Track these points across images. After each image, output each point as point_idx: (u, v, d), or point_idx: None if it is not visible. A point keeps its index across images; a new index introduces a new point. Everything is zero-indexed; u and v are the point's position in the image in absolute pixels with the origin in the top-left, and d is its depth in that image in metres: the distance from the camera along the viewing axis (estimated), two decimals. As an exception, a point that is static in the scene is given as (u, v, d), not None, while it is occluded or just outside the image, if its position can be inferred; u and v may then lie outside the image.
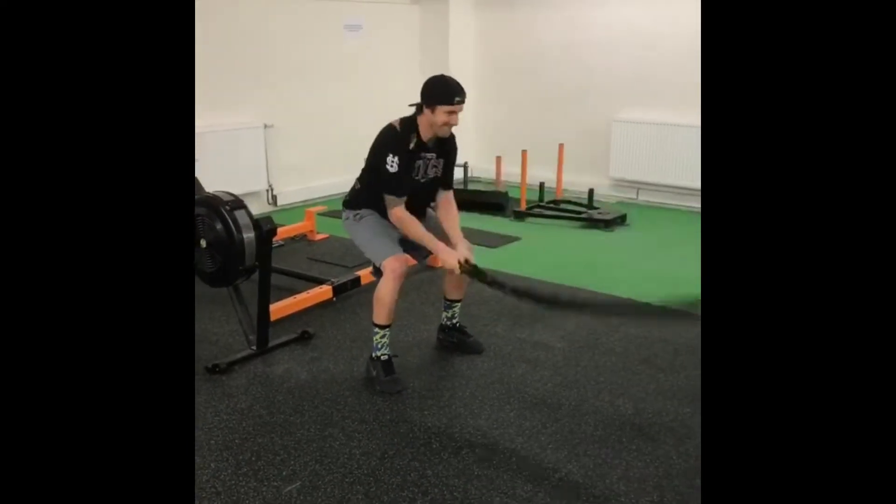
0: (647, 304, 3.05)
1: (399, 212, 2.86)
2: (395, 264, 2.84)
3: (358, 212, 3.02)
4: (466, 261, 2.85)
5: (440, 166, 2.99)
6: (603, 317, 3.58)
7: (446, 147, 2.98)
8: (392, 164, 2.80)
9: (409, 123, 2.88)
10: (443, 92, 2.79)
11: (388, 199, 2.85)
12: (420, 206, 3.01)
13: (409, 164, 2.86)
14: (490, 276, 2.90)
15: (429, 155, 2.93)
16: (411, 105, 2.89)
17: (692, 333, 3.44)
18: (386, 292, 2.85)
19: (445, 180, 3.06)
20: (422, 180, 2.95)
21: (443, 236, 2.95)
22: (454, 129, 2.93)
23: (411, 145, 2.85)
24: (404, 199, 2.86)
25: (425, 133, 2.87)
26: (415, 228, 2.87)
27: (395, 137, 2.85)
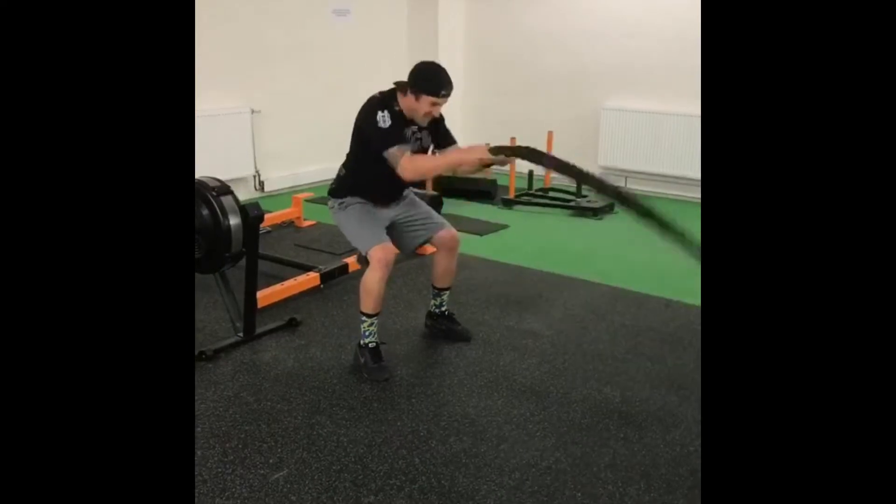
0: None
1: (406, 161, 2.72)
2: (381, 253, 2.82)
3: (343, 200, 2.99)
4: (492, 147, 2.69)
5: (424, 138, 2.94)
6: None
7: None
8: (383, 119, 2.74)
9: (389, 95, 2.85)
10: (431, 82, 2.75)
11: (391, 153, 2.72)
12: (400, 184, 2.92)
13: (400, 124, 2.80)
14: (522, 149, 2.67)
15: (413, 126, 2.89)
16: (395, 83, 2.86)
17: (679, 322, 3.46)
18: (372, 281, 2.83)
19: (448, 141, 3.00)
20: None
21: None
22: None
23: (396, 109, 2.81)
24: (407, 147, 2.76)
25: (406, 112, 2.84)
26: (432, 163, 2.86)
27: (379, 100, 2.81)
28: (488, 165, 2.80)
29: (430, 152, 3.00)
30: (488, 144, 2.74)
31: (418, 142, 2.93)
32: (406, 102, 2.81)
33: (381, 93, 2.86)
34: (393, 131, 2.76)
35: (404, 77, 2.82)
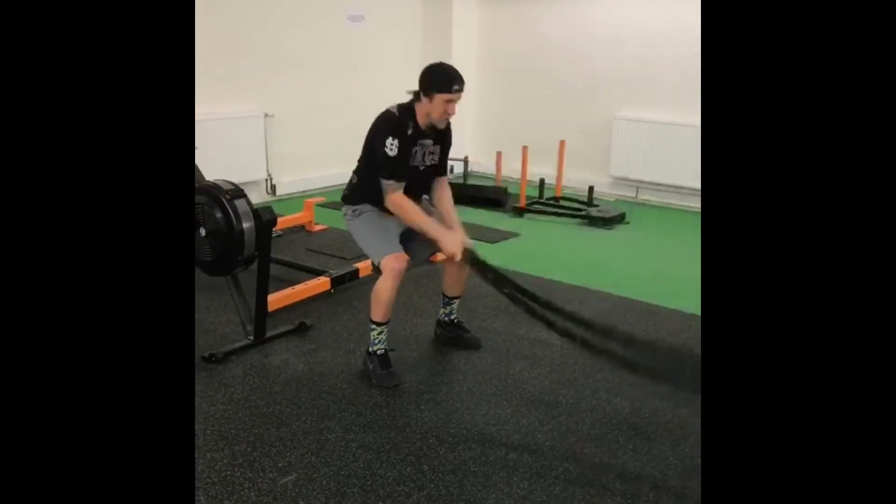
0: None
1: (397, 197, 2.81)
2: (394, 263, 2.82)
3: (356, 207, 2.99)
4: (468, 249, 2.81)
5: (437, 153, 2.97)
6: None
7: (443, 134, 2.95)
8: (391, 147, 2.76)
9: (406, 110, 2.85)
10: (441, 79, 2.76)
11: (386, 183, 2.80)
12: (416, 194, 2.97)
13: (408, 149, 2.83)
14: (490, 270, 2.82)
15: (426, 142, 2.90)
16: (409, 92, 2.87)
17: (690, 334, 3.44)
18: (384, 290, 2.83)
19: (441, 167, 3.03)
20: (420, 168, 2.92)
21: (440, 221, 2.92)
22: (451, 118, 2.90)
23: (409, 131, 2.82)
24: (403, 184, 2.82)
25: (422, 121, 2.85)
26: (414, 214, 2.83)
27: (393, 122, 2.82)
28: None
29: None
30: (467, 249, 2.82)
31: (432, 156, 2.95)
32: (423, 108, 2.82)
33: (399, 106, 2.87)
34: (397, 162, 2.79)
35: (417, 86, 2.83)
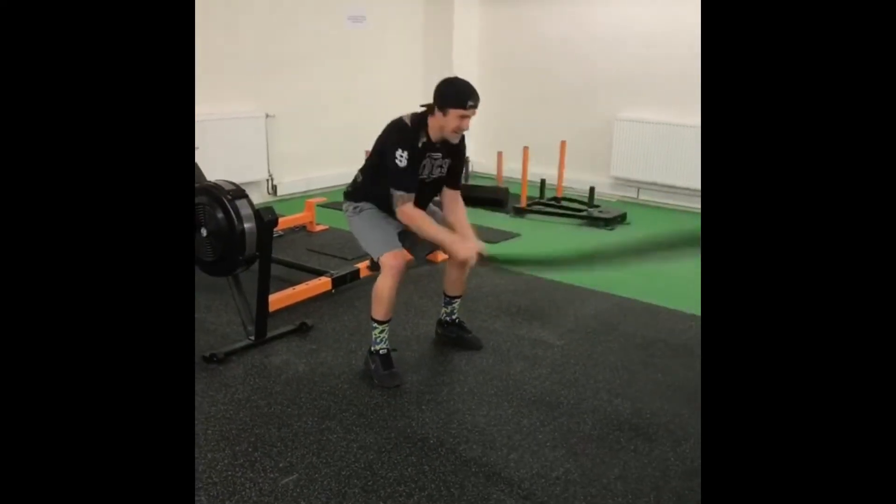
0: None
1: (408, 209, 2.81)
2: (393, 260, 2.82)
3: (357, 204, 2.99)
4: (481, 253, 2.83)
5: (445, 166, 2.96)
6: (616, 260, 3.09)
7: (454, 147, 2.94)
8: (401, 158, 2.75)
9: (419, 121, 2.84)
10: (456, 96, 2.75)
11: (397, 195, 2.80)
12: (421, 204, 2.96)
13: (417, 162, 2.82)
14: (505, 257, 2.85)
15: (436, 154, 2.90)
16: (422, 105, 2.87)
17: (691, 334, 3.44)
18: (384, 287, 2.83)
19: (453, 181, 3.03)
20: (427, 179, 2.92)
21: (452, 230, 2.92)
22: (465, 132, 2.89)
23: (420, 143, 2.82)
24: (413, 195, 2.82)
25: (434, 134, 2.84)
26: (426, 226, 2.83)
27: (405, 132, 2.81)
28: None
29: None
30: (483, 251, 2.86)
31: (440, 169, 2.95)
32: (436, 122, 2.81)
33: (412, 116, 2.86)
34: (406, 174, 2.78)
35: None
